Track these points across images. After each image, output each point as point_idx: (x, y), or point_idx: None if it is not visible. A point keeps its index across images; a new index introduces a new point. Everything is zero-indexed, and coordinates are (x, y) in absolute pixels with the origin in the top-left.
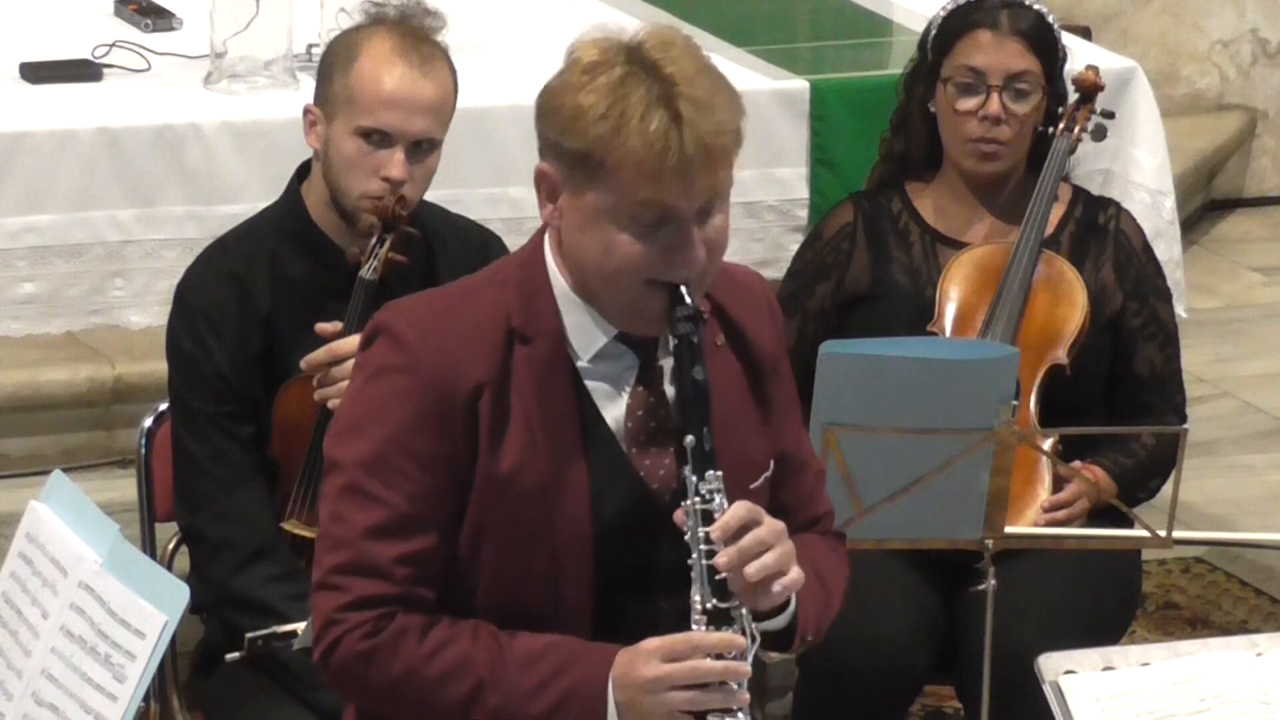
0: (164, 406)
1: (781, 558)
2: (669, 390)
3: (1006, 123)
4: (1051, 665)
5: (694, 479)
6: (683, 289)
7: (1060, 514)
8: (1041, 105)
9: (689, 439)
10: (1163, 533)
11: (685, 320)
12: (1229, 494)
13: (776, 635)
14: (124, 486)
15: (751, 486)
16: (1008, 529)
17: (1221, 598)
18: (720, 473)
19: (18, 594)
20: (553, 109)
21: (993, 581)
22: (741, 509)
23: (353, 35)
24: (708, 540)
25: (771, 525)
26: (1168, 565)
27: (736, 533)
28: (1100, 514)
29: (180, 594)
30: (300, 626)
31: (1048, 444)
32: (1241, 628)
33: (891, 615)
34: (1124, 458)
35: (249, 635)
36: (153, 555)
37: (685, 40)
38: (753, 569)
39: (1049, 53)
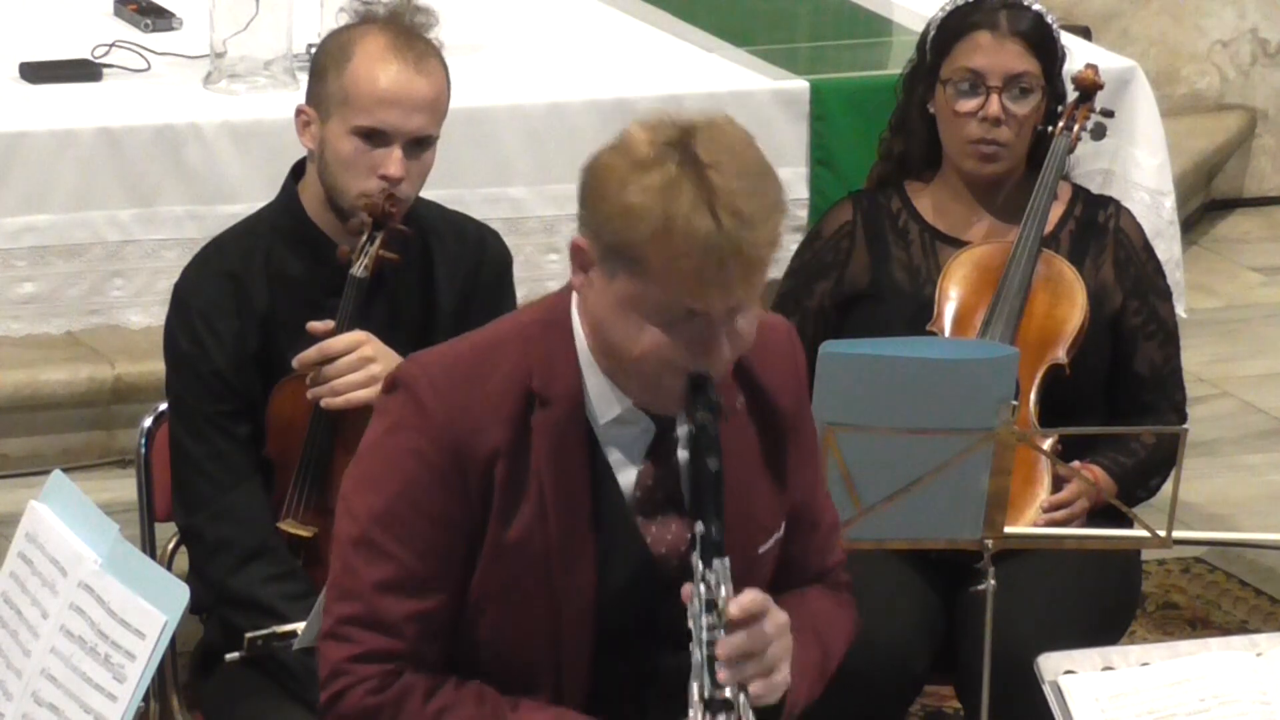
0: (163, 406)
1: (776, 655)
2: (682, 456)
3: (1006, 124)
4: (1051, 665)
5: (700, 567)
6: (706, 380)
7: (1060, 514)
8: (1041, 105)
9: (699, 527)
10: (1162, 533)
11: (704, 410)
12: (1229, 494)
13: (767, 710)
14: (124, 486)
15: (760, 550)
16: (1007, 529)
17: (1221, 598)
18: (727, 560)
19: (18, 594)
20: (598, 197)
21: (992, 581)
22: (756, 600)
23: (344, 34)
24: (710, 629)
25: (775, 619)
26: (1167, 565)
27: (744, 622)
28: (1100, 514)
29: (180, 594)
30: (299, 626)
31: (1047, 444)
32: (1241, 628)
33: (891, 615)
34: (1124, 457)
35: (248, 635)
36: (153, 555)
37: (740, 136)
38: (752, 667)
39: (1048, 53)
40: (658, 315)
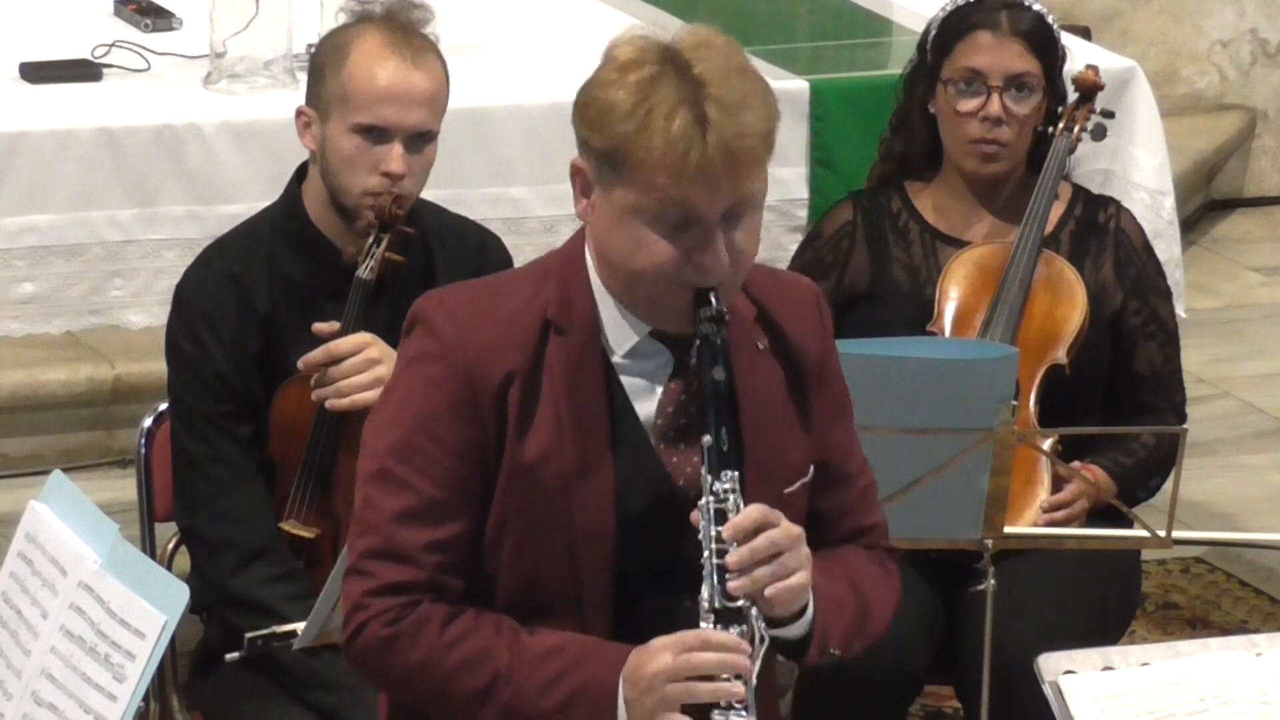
0: (164, 406)
1: (791, 563)
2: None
3: (1007, 123)
4: (1051, 665)
5: (709, 478)
6: (710, 292)
7: (1060, 514)
8: (1042, 105)
9: (706, 439)
10: (1162, 533)
11: (708, 321)
12: (1229, 494)
13: (793, 643)
14: (124, 486)
15: (786, 491)
16: (1007, 529)
17: (1221, 598)
18: (736, 473)
19: (17, 594)
20: (584, 104)
21: (992, 581)
22: (756, 510)
23: (341, 34)
24: (719, 539)
25: (787, 530)
26: (1167, 565)
27: (750, 533)
28: (1100, 514)
29: (180, 594)
30: (299, 626)
31: (1047, 444)
32: (1241, 628)
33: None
34: (1124, 457)
35: (248, 635)
36: (153, 555)
37: (724, 41)
38: (763, 572)
39: (1049, 53)
40: (655, 223)
